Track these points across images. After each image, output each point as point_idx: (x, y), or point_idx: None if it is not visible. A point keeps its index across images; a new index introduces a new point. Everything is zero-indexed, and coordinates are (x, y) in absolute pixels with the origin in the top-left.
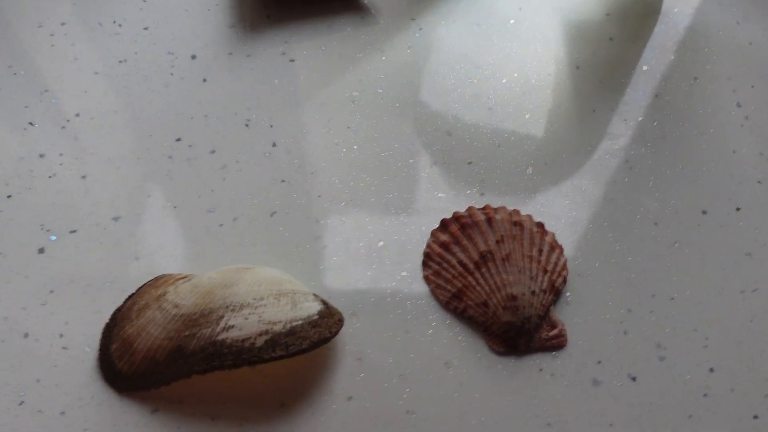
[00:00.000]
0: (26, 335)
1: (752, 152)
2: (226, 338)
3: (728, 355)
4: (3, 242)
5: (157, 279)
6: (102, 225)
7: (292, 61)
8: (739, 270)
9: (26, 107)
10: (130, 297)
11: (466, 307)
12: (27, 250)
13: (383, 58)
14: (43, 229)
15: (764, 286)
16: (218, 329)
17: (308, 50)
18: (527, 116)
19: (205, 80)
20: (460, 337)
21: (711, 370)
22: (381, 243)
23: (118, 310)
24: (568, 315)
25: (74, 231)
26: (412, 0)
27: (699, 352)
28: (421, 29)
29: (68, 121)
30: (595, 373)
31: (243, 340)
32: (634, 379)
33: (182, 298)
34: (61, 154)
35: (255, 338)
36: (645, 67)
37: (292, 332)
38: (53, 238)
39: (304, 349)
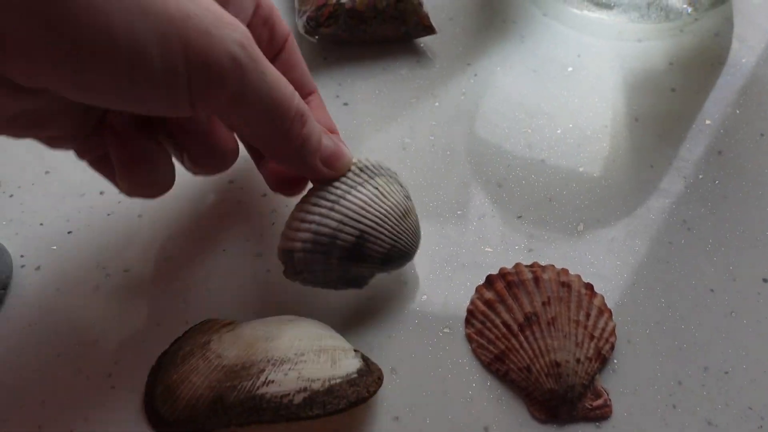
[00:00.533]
0: (78, 372)
1: None
2: (266, 393)
3: None
4: (61, 278)
5: (203, 324)
6: (155, 265)
7: (345, 104)
8: None
9: None
10: (176, 341)
11: (509, 370)
12: (83, 288)
13: (436, 104)
14: (98, 266)
15: None
16: (258, 383)
17: (362, 93)
18: (581, 169)
19: None
20: (500, 401)
21: None
22: (425, 297)
23: (164, 353)
24: (614, 384)
25: (127, 270)
26: (469, 45)
27: None
28: (476, 75)
29: None
30: None
31: (282, 396)
32: None
33: (225, 349)
34: (118, 193)
35: (293, 395)
36: (708, 121)
37: (330, 391)
38: (107, 276)
39: (341, 408)
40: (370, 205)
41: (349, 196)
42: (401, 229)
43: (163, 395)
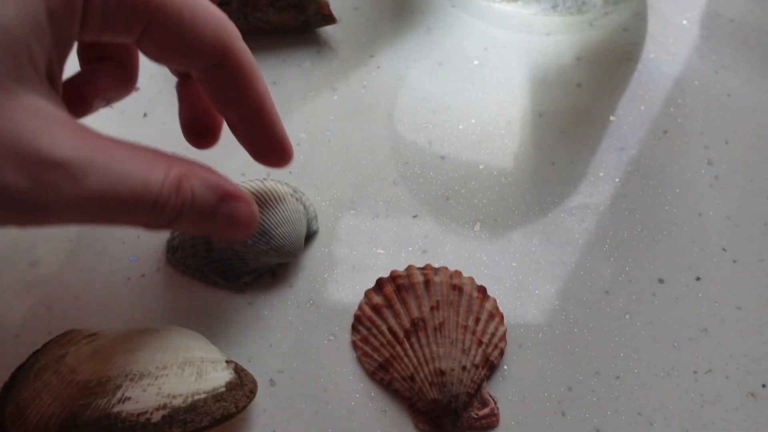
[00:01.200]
0: None
1: (719, 216)
2: (121, 411)
3: None
4: None
5: (65, 335)
6: (17, 269)
7: None
8: (694, 348)
9: None
10: (33, 354)
11: (393, 379)
12: None
13: (335, 97)
14: None
15: (718, 367)
16: (114, 400)
17: None
18: (481, 167)
19: (145, 115)
20: (384, 412)
21: None
22: (311, 302)
23: (20, 368)
24: (502, 391)
25: None
26: (374, 36)
27: None
28: (379, 67)
29: None
30: None
31: (138, 414)
32: None
33: (80, 363)
34: None
35: (152, 413)
36: (612, 118)
37: (192, 407)
38: None
39: (204, 426)
40: (243, 186)
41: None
42: (266, 208)
43: (12, 414)
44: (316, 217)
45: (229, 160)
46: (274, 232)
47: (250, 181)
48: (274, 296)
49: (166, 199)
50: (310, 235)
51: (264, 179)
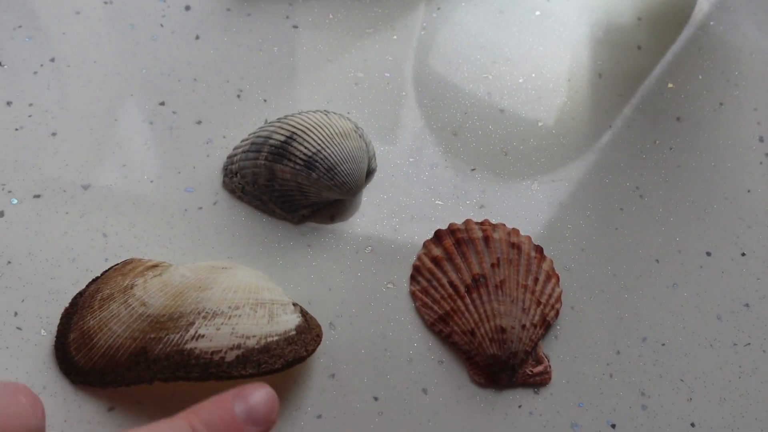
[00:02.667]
0: None
1: (767, 194)
2: (195, 348)
3: (711, 411)
4: None
5: (125, 264)
6: (69, 192)
7: (295, 27)
8: (735, 321)
9: None
10: (93, 281)
11: (452, 332)
12: None
13: (394, 37)
14: (4, 189)
15: (757, 341)
16: (187, 336)
17: (314, 17)
18: (540, 124)
19: (198, 37)
20: (441, 362)
21: (692, 425)
22: (369, 248)
23: (80, 294)
24: (554, 350)
25: (38, 196)
26: None
27: (683, 404)
28: (439, 9)
29: (41, 66)
30: (575, 416)
31: (212, 353)
32: (613, 426)
33: (151, 296)
34: (30, 104)
35: (225, 352)
36: (670, 85)
37: (266, 349)
38: (15, 201)
39: (277, 368)
40: (309, 117)
41: (296, 116)
42: (333, 142)
43: (77, 341)
44: (374, 155)
45: (285, 95)
46: (339, 168)
47: (313, 112)
48: (333, 241)
49: None
50: (368, 173)
51: (326, 112)
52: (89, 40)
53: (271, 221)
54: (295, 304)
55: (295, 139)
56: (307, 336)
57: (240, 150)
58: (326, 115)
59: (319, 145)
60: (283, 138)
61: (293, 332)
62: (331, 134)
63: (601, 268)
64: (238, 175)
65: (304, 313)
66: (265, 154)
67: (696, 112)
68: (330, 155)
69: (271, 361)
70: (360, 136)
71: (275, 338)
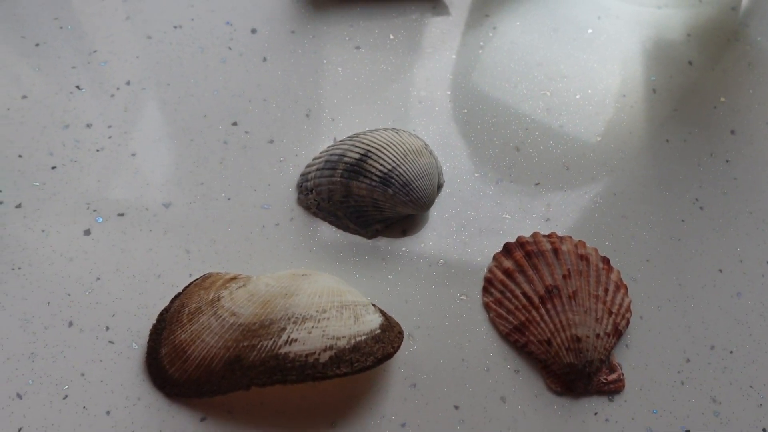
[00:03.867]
0: (71, 324)
1: None
2: (289, 352)
3: None
4: (47, 219)
5: (204, 278)
6: (152, 210)
7: (357, 48)
8: None
9: (73, 68)
10: (176, 297)
11: (528, 342)
12: (72, 231)
13: (453, 56)
14: (89, 208)
15: None
16: (280, 342)
17: (375, 38)
18: (598, 139)
19: (265, 59)
20: (517, 371)
21: (764, 430)
22: (441, 261)
23: (166, 311)
24: (626, 358)
25: (122, 214)
26: None
27: (754, 410)
28: (495, 28)
29: (118, 89)
30: (650, 422)
31: (307, 355)
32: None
33: (240, 306)
34: (109, 126)
35: (319, 354)
36: (723, 99)
37: (356, 348)
38: (100, 219)
39: (369, 365)
40: (381, 135)
41: (367, 134)
42: (407, 160)
43: (170, 355)
44: (442, 170)
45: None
46: (414, 185)
47: (383, 130)
48: (406, 255)
49: None
50: (438, 187)
51: (396, 130)
52: (162, 63)
53: (345, 236)
54: (374, 305)
55: (370, 157)
56: (390, 334)
57: (314, 168)
58: (397, 132)
59: (394, 162)
60: (357, 156)
61: (378, 330)
62: (405, 151)
63: (667, 278)
64: (313, 191)
65: (383, 313)
66: (341, 171)
67: (749, 125)
68: (405, 172)
69: (363, 359)
70: (430, 153)
71: (363, 337)
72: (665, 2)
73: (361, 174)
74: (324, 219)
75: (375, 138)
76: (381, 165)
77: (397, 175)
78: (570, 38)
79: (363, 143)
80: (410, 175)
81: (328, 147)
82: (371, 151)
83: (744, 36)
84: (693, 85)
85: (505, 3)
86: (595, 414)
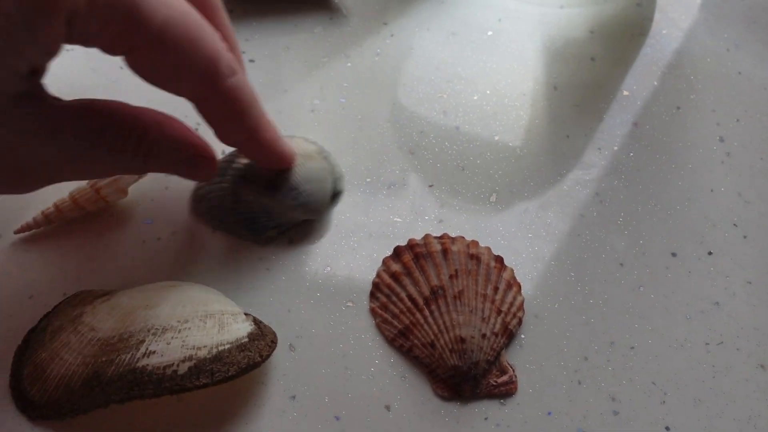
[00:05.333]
0: None
1: (730, 192)
2: (147, 365)
3: (686, 413)
4: None
5: (75, 296)
6: (38, 231)
7: (251, 61)
8: (706, 320)
9: None
10: (45, 316)
11: (413, 346)
12: None
13: (349, 64)
14: None
15: (730, 339)
16: (138, 355)
17: (270, 50)
18: (496, 138)
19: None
20: (403, 378)
21: (667, 428)
22: (328, 269)
23: (32, 330)
24: (520, 359)
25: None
26: (386, 3)
27: (656, 408)
28: (392, 35)
29: None
30: (545, 425)
31: (165, 367)
32: None
33: (99, 321)
34: None
35: (177, 365)
36: (626, 92)
37: (218, 358)
38: None
39: (231, 376)
40: None
41: None
42: (300, 168)
43: (31, 376)
44: (342, 177)
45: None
46: (301, 188)
47: None
48: (292, 262)
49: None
50: (336, 194)
51: (291, 136)
52: None
53: (230, 247)
54: (246, 314)
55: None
56: (260, 342)
57: None
58: (291, 138)
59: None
60: (246, 160)
61: (245, 339)
62: None
63: (564, 274)
64: (204, 200)
65: (257, 322)
66: (230, 177)
67: (653, 117)
68: (291, 175)
69: (224, 369)
70: (324, 158)
71: (227, 346)
72: (568, 2)
73: (248, 179)
74: (217, 228)
75: None
76: (268, 170)
77: (283, 179)
78: (469, 41)
79: None
80: (297, 179)
81: (224, 155)
82: None
83: (648, 30)
84: (595, 81)
85: (404, 10)
86: (486, 419)
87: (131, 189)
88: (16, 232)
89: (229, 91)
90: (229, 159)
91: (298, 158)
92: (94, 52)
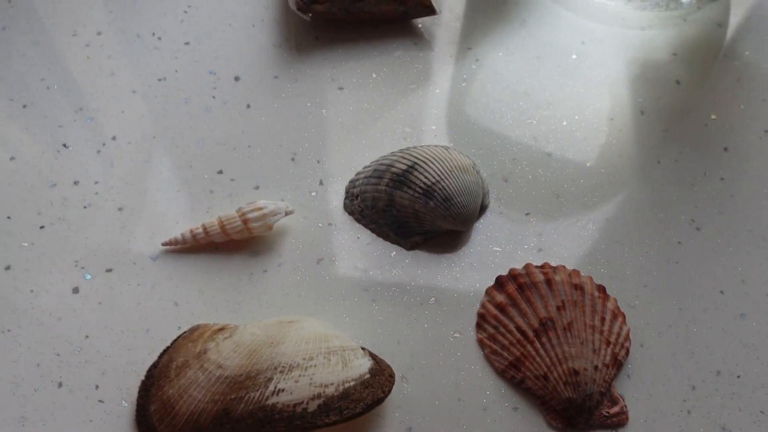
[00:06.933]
0: (60, 385)
1: None
2: (277, 403)
3: None
4: (35, 279)
5: (192, 331)
6: (139, 264)
7: (341, 89)
8: None
9: (60, 127)
10: (165, 351)
11: (524, 378)
12: (61, 289)
13: (437, 90)
14: (77, 266)
15: None
16: (267, 393)
17: (358, 78)
18: (588, 165)
19: (249, 106)
20: (515, 409)
21: None
22: (432, 300)
23: (154, 366)
24: (628, 389)
25: (110, 270)
26: (469, 28)
27: None
28: (477, 60)
29: (104, 144)
30: None
31: (294, 405)
32: None
33: (225, 358)
34: (96, 182)
35: (307, 403)
36: (713, 116)
37: (345, 395)
38: (88, 276)
39: (359, 412)
40: (431, 150)
41: (418, 148)
42: (451, 175)
43: (159, 412)
44: (488, 192)
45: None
46: (455, 200)
47: (435, 146)
48: (397, 294)
49: None
50: (483, 208)
51: (446, 147)
52: (146, 116)
53: (336, 276)
54: (363, 349)
55: (416, 169)
56: (381, 378)
57: (362, 175)
58: (447, 150)
59: (438, 175)
60: (405, 167)
61: (368, 375)
62: (451, 167)
63: (666, 303)
64: (358, 198)
65: (373, 356)
66: (387, 180)
67: (742, 141)
68: (447, 186)
69: (352, 406)
70: (477, 172)
71: (352, 383)
72: (649, 23)
73: (406, 184)
74: (366, 226)
75: (424, 152)
76: (425, 177)
77: (439, 189)
78: (554, 65)
79: (412, 156)
80: (452, 190)
81: (380, 158)
82: (418, 164)
83: (731, 51)
84: (682, 105)
85: (487, 34)
86: None
87: None
88: (164, 244)
89: None
90: (389, 164)
91: (455, 171)
92: None
